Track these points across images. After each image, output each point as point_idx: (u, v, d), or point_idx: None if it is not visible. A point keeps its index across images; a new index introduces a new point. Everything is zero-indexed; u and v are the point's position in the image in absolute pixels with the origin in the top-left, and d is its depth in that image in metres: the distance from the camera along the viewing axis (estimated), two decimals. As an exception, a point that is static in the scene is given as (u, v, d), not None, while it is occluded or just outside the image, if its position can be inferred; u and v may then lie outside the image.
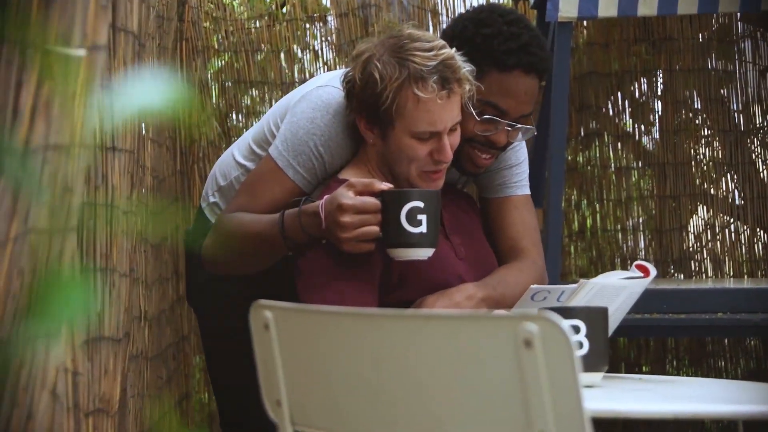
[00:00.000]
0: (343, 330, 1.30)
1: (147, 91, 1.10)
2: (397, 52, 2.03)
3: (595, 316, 1.72)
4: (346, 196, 1.96)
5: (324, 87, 2.15)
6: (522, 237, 2.21)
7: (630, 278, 1.95)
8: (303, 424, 1.35)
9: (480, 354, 1.18)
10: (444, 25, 3.56)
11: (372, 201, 1.96)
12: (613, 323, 1.97)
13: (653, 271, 1.95)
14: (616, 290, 1.93)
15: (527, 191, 2.28)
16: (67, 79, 1.25)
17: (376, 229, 1.96)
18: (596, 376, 1.70)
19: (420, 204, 1.96)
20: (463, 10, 3.54)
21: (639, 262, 1.97)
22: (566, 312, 1.73)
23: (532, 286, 2.00)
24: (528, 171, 2.29)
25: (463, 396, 1.19)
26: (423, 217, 1.96)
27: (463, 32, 2.13)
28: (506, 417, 1.16)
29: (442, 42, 2.08)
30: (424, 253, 1.99)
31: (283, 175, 2.11)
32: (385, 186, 1.99)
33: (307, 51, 3.59)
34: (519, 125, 2.14)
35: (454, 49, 2.08)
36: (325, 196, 2.01)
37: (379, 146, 2.09)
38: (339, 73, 2.17)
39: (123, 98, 1.13)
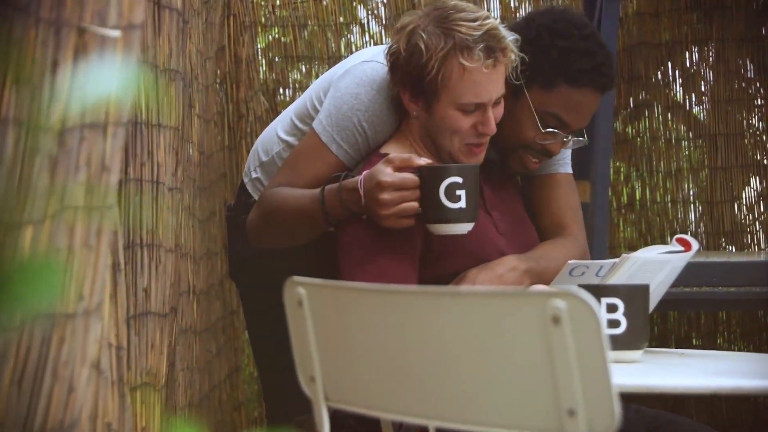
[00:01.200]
0: (374, 307, 1.31)
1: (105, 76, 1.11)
2: (442, 22, 2.04)
3: (634, 294, 1.71)
4: (385, 172, 1.97)
5: (368, 62, 2.15)
6: (564, 214, 2.21)
7: (671, 252, 1.93)
8: (336, 400, 1.37)
9: (508, 331, 1.18)
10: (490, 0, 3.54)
11: (410, 177, 1.97)
12: (655, 298, 1.95)
13: (695, 245, 1.93)
14: (659, 265, 1.91)
15: (569, 170, 2.28)
16: (102, 58, 1.27)
17: (415, 205, 1.97)
18: (635, 354, 1.69)
19: (458, 179, 1.96)
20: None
21: (680, 235, 1.95)
22: (605, 290, 1.72)
23: (570, 261, 2.00)
24: (570, 150, 2.29)
25: (492, 373, 1.20)
26: (462, 192, 1.96)
27: (538, 40, 2.13)
28: (535, 394, 1.17)
29: (487, 13, 2.08)
30: (464, 228, 2.00)
31: (327, 150, 2.13)
32: (424, 161, 1.99)
33: (354, 25, 3.59)
34: (575, 138, 2.17)
35: (498, 20, 2.08)
36: (364, 172, 2.02)
37: (423, 119, 2.10)
38: (383, 48, 2.18)
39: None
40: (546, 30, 2.15)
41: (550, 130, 2.14)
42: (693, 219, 3.57)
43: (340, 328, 1.35)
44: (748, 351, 3.52)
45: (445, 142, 2.08)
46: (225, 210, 2.68)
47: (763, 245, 3.53)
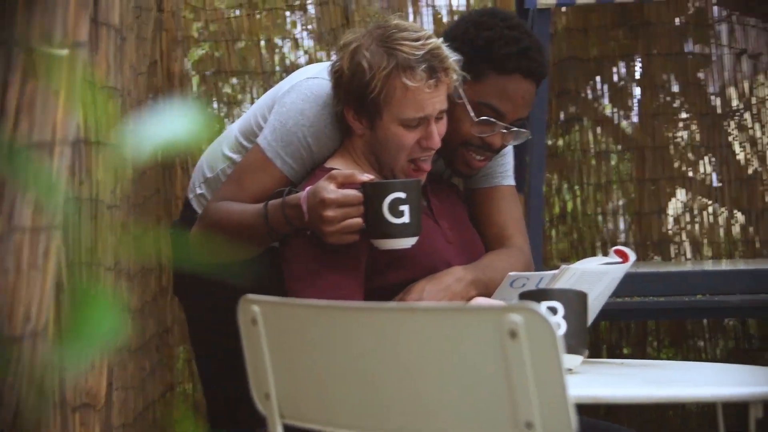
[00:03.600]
0: (331, 323, 1.32)
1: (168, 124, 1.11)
2: (385, 41, 2.05)
3: (572, 298, 1.75)
4: (328, 189, 1.98)
5: (313, 78, 2.17)
6: (508, 225, 2.24)
7: (609, 263, 1.97)
8: (292, 417, 1.37)
9: (466, 345, 1.20)
10: (424, 13, 3.57)
11: (354, 194, 1.98)
12: (594, 309, 1.99)
13: (632, 256, 1.98)
14: (597, 276, 1.95)
15: (512, 182, 2.31)
16: (50, 77, 1.26)
17: (359, 221, 1.98)
18: (575, 359, 1.72)
19: (402, 195, 1.98)
20: (442, 1, 3.57)
21: (618, 247, 2.00)
22: (544, 294, 1.76)
23: (510, 273, 2.03)
24: (513, 162, 2.32)
25: (451, 387, 1.21)
26: (405, 208, 1.98)
27: (465, 34, 2.16)
28: (492, 407, 1.18)
29: (429, 32, 2.10)
30: (407, 243, 2.02)
31: (272, 165, 2.13)
32: (366, 177, 2.01)
33: (288, 40, 3.59)
34: (514, 128, 2.17)
35: (441, 39, 2.11)
36: (307, 188, 2.02)
37: (367, 136, 2.11)
38: (327, 64, 2.19)
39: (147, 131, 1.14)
40: (472, 24, 2.18)
41: (485, 118, 2.14)
42: (622, 230, 3.65)
43: (295, 345, 1.35)
44: (676, 359, 3.60)
45: (390, 159, 2.10)
46: (170, 227, 2.66)
47: (689, 255, 3.62)
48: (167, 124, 1.11)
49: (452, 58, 2.08)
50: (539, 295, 1.78)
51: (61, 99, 1.26)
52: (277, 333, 1.36)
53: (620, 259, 1.98)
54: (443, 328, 1.22)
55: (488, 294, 2.07)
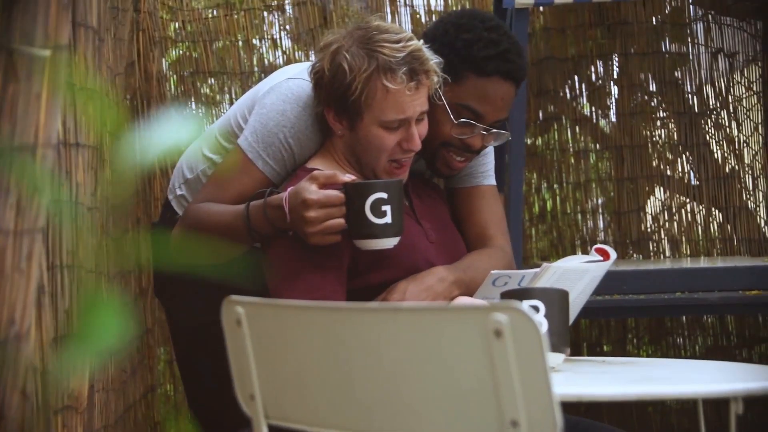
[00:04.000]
0: (315, 324, 1.32)
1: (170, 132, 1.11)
2: (366, 43, 2.05)
3: (553, 296, 1.76)
4: (310, 190, 1.97)
5: (294, 79, 2.16)
6: (489, 225, 2.24)
7: (590, 262, 1.98)
8: (276, 417, 1.37)
9: (451, 345, 1.20)
10: (402, 13, 3.58)
11: (336, 194, 1.98)
12: (576, 307, 2.00)
13: (613, 254, 1.99)
14: (578, 274, 1.96)
15: (493, 181, 2.31)
16: (32, 79, 1.25)
17: (341, 221, 1.98)
18: (557, 357, 1.73)
19: (384, 195, 1.98)
20: (420, 0, 3.57)
21: (599, 245, 2.01)
22: (525, 293, 1.77)
23: (492, 272, 2.03)
24: (494, 161, 2.33)
25: (436, 387, 1.21)
26: (387, 208, 1.98)
27: (444, 36, 2.16)
28: (478, 406, 1.19)
29: (410, 34, 2.10)
30: (390, 243, 2.02)
31: (253, 167, 2.13)
32: (348, 178, 2.01)
33: (266, 40, 3.59)
34: (494, 130, 2.17)
35: (421, 41, 2.11)
36: (289, 189, 2.02)
37: (348, 137, 2.11)
38: (307, 65, 2.19)
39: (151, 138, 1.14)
40: (452, 26, 2.19)
41: (464, 120, 2.15)
42: (602, 228, 3.66)
43: (280, 345, 1.35)
44: (656, 356, 3.62)
45: (371, 160, 2.10)
46: (150, 227, 2.65)
47: (668, 253, 3.64)
48: (168, 133, 1.11)
49: (433, 60, 2.08)
50: (521, 294, 1.79)
51: (44, 101, 1.26)
52: (261, 334, 1.36)
53: (601, 258, 1.99)
54: (428, 328, 1.22)
55: (470, 294, 2.07)
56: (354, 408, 1.29)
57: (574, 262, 2.00)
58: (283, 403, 1.36)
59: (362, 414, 1.28)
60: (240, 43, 3.55)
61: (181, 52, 3.59)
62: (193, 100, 3.58)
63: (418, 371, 1.24)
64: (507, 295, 1.85)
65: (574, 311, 1.98)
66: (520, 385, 1.16)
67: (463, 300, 2.04)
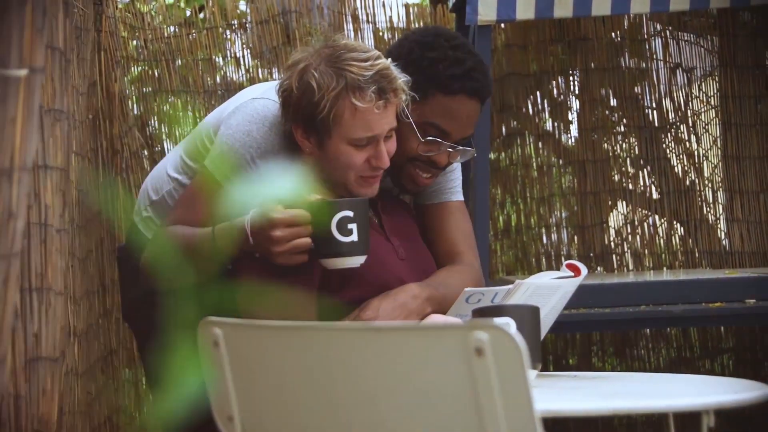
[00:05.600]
0: (294, 344, 1.31)
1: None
2: (334, 62, 2.06)
3: (525, 313, 1.77)
4: (276, 209, 1.97)
5: (259, 99, 2.16)
6: (458, 241, 2.25)
7: (562, 278, 2.00)
8: (256, 439, 1.37)
9: (432, 363, 1.20)
10: (365, 29, 3.59)
11: (302, 213, 1.98)
12: (548, 323, 2.02)
13: (584, 270, 2.01)
14: (551, 290, 1.98)
15: (461, 197, 2.33)
16: (7, 102, 1.25)
17: (308, 240, 1.99)
18: (530, 373, 1.74)
19: (350, 213, 1.99)
20: (382, 17, 3.59)
21: (570, 261, 2.03)
22: (496, 310, 1.78)
23: (466, 288, 2.04)
24: (461, 177, 2.34)
25: (417, 405, 1.22)
26: (353, 226, 1.99)
27: (410, 54, 2.17)
28: (460, 424, 1.19)
29: (378, 53, 2.11)
30: (357, 261, 2.02)
31: (221, 188, 2.12)
32: (314, 197, 2.01)
33: (228, 58, 3.58)
34: (460, 147, 2.19)
35: (389, 60, 2.12)
36: (251, 211, 2.02)
37: (316, 155, 2.11)
38: (273, 84, 2.18)
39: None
40: (417, 44, 2.20)
41: (431, 138, 2.17)
42: (565, 242, 3.69)
43: (258, 366, 1.35)
44: (621, 368, 3.65)
45: (340, 177, 2.10)
46: (117, 251, 2.63)
47: (631, 266, 3.68)
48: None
49: (401, 78, 2.09)
50: (492, 311, 1.80)
51: (19, 125, 1.25)
52: (239, 355, 1.35)
53: (572, 273, 2.01)
54: (408, 347, 1.23)
55: (443, 311, 2.08)
56: (335, 427, 1.29)
57: (546, 278, 2.01)
58: (262, 424, 1.36)
59: (343, 434, 1.28)
60: (201, 61, 3.54)
61: (141, 69, 3.57)
62: (155, 119, 3.56)
63: (399, 390, 1.24)
64: (478, 312, 1.86)
65: (545, 327, 2.00)
66: (501, 402, 1.17)
67: (437, 318, 2.05)
